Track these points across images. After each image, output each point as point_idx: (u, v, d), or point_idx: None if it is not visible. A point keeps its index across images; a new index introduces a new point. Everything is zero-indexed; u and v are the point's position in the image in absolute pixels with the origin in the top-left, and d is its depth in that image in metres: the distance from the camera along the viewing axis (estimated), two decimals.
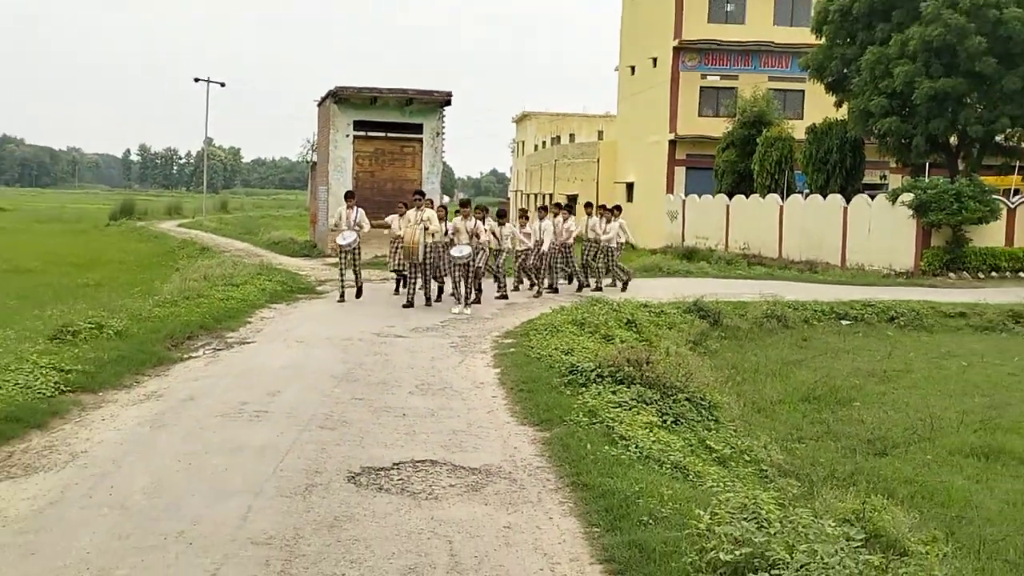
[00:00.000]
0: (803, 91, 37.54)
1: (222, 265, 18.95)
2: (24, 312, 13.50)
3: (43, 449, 6.67)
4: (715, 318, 15.99)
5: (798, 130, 33.30)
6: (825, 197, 29.19)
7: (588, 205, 19.42)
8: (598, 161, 46.72)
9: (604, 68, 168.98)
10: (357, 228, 15.50)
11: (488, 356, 11.02)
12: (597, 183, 45.88)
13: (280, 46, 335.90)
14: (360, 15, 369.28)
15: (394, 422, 7.69)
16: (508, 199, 71.66)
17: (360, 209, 15.79)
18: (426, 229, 14.84)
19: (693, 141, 38.70)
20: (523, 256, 17.40)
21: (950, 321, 17.59)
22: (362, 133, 24.61)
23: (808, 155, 31.45)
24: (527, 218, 18.19)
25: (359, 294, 15.75)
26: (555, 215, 18.10)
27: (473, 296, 15.17)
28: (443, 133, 25.17)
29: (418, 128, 24.85)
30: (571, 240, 18.19)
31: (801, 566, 4.18)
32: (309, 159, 67.46)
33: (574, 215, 19.32)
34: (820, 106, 33.89)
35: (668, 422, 8.27)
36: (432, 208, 15.77)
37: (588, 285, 18.47)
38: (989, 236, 25.07)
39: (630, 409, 8.19)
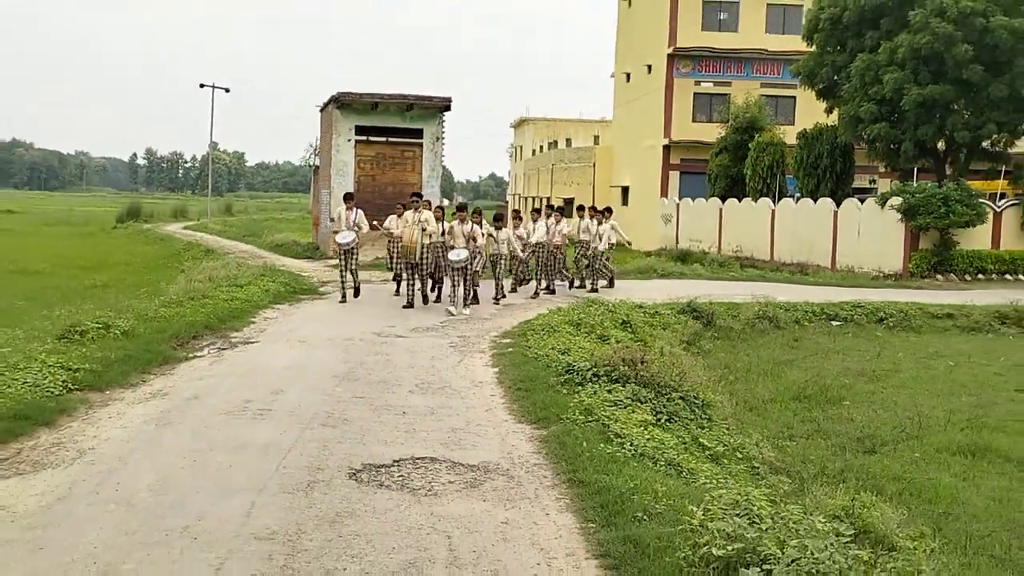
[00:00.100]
0: (794, 97, 37.62)
1: (226, 267, 18.93)
2: (33, 312, 13.50)
3: (51, 446, 6.66)
4: (708, 319, 16.00)
5: (789, 135, 33.39)
6: (816, 201, 29.24)
7: (580, 208, 19.53)
8: (594, 165, 46.78)
9: (604, 68, 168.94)
10: (356, 228, 15.51)
11: (486, 356, 11.01)
12: (593, 187, 45.93)
13: (280, 46, 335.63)
14: (360, 15, 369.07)
15: (394, 420, 7.69)
16: (506, 202, 71.66)
17: (359, 210, 15.80)
18: (424, 230, 14.86)
19: (687, 146, 38.76)
20: (517, 260, 17.53)
21: (937, 322, 17.61)
22: (364, 138, 24.63)
23: (799, 160, 31.51)
24: (521, 219, 18.31)
25: (356, 294, 15.75)
26: (548, 217, 18.31)
27: (471, 297, 15.20)
28: (443, 138, 25.19)
29: (418, 133, 24.87)
30: (563, 241, 18.30)
31: (792, 561, 4.18)
32: (312, 163, 67.43)
33: (569, 217, 19.43)
34: (811, 112, 33.99)
35: (662, 420, 8.27)
36: (430, 210, 15.79)
37: (584, 287, 18.55)
38: (976, 239, 25.13)
39: (625, 407, 8.19)
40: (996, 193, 27.84)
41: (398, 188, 23.91)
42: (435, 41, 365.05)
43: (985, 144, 27.87)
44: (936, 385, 12.40)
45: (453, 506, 5.65)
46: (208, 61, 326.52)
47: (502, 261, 16.80)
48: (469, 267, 14.72)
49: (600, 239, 18.05)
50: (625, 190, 43.72)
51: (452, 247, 14.70)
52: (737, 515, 4.79)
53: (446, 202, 30.12)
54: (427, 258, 15.11)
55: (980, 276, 24.74)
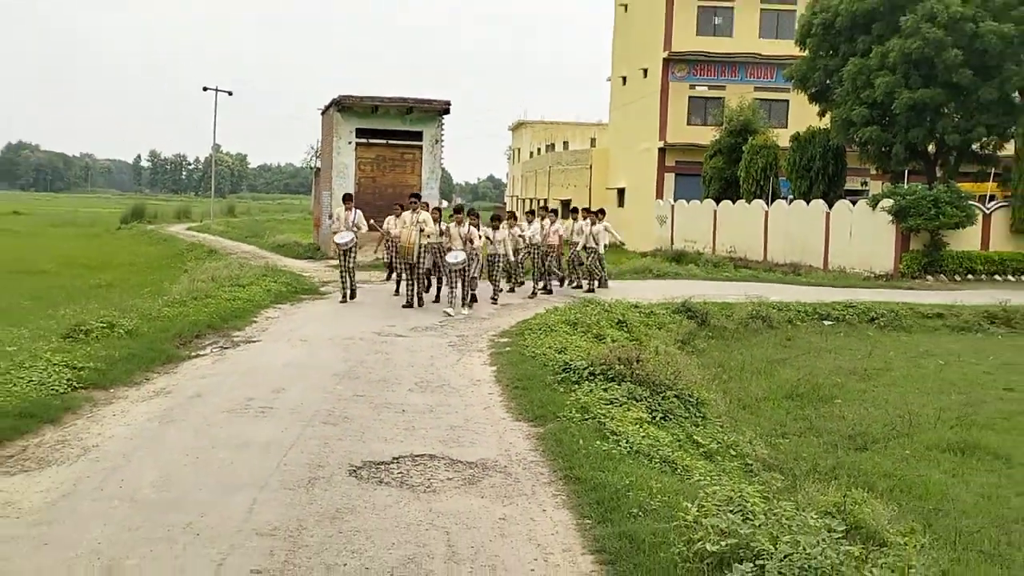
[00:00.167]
0: (787, 101, 37.66)
1: (229, 267, 18.91)
2: (38, 312, 13.48)
3: (56, 443, 6.66)
4: (703, 318, 16.01)
5: (782, 138, 33.41)
6: (808, 203, 29.27)
7: (574, 210, 19.67)
8: (591, 168, 46.75)
9: (602, 70, 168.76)
10: (355, 229, 15.50)
11: (485, 355, 11.01)
12: (590, 189, 45.92)
13: (280, 46, 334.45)
14: (360, 15, 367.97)
15: (394, 418, 7.69)
16: (505, 204, 71.69)
17: (358, 211, 15.79)
18: (422, 231, 14.86)
19: (682, 149, 38.77)
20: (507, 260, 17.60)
21: (928, 322, 17.62)
22: (364, 140, 24.62)
23: (792, 162, 31.54)
24: (515, 218, 18.45)
25: (352, 295, 15.63)
26: (542, 218, 18.42)
27: (469, 298, 15.20)
28: (442, 140, 25.19)
29: (418, 136, 24.86)
30: (558, 242, 18.34)
31: (784, 556, 4.18)
32: (313, 165, 67.37)
33: (564, 219, 19.50)
34: (804, 115, 34.03)
35: (657, 418, 8.27)
36: (427, 211, 15.80)
37: (580, 286, 18.60)
38: (965, 240, 25.16)
39: (621, 406, 8.19)
40: (985, 195, 27.89)
41: (398, 190, 23.89)
42: (435, 41, 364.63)
43: (975, 147, 27.91)
44: (926, 384, 12.41)
45: (451, 502, 5.65)
46: (208, 61, 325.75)
47: (500, 261, 16.82)
48: (467, 268, 14.74)
49: (594, 240, 18.08)
50: (621, 192, 43.73)
51: (450, 249, 14.71)
52: (731, 511, 4.79)
53: (445, 203, 30.11)
54: (424, 259, 15.12)
55: (969, 277, 24.76)
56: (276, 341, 11.53)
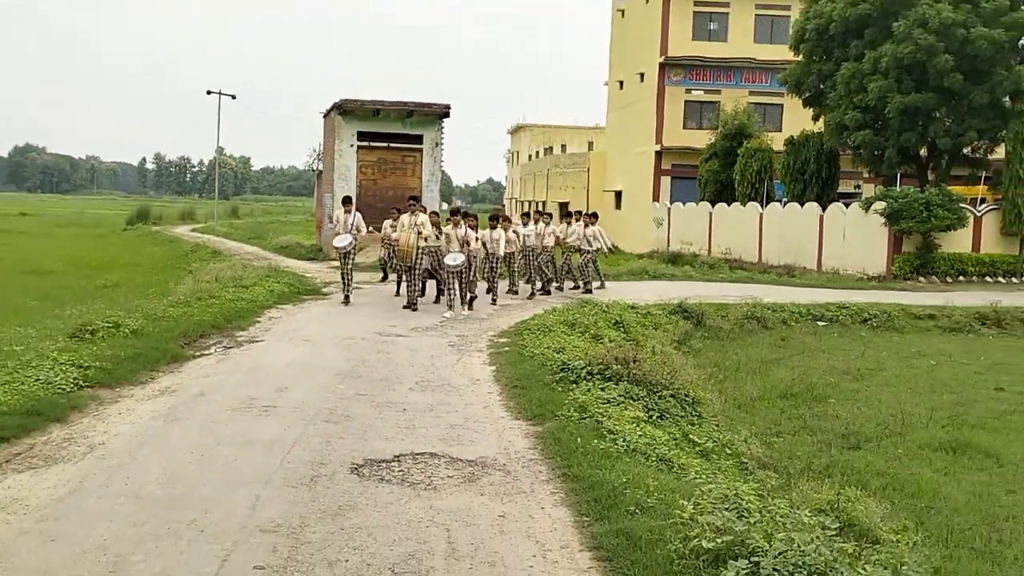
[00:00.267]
0: (782, 105, 37.68)
1: (232, 268, 18.90)
2: (45, 312, 13.48)
3: (63, 441, 6.65)
4: (698, 319, 16.01)
5: (777, 142, 33.45)
6: (802, 205, 29.30)
7: (568, 214, 19.72)
8: (588, 170, 46.75)
9: (599, 72, 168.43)
10: (355, 232, 15.48)
11: (484, 354, 11.01)
12: (587, 191, 45.91)
13: (280, 47, 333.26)
14: (360, 15, 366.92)
15: (395, 416, 7.68)
16: (503, 206, 71.68)
17: (358, 213, 15.77)
18: (419, 233, 14.85)
19: (678, 152, 38.79)
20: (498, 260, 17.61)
21: (920, 322, 17.64)
22: (365, 143, 24.62)
23: (786, 166, 31.56)
24: (510, 221, 18.45)
25: (346, 301, 15.29)
26: (537, 221, 18.47)
27: (469, 299, 15.21)
28: (442, 143, 25.20)
29: (418, 139, 24.87)
30: (552, 244, 18.37)
31: (779, 553, 4.18)
32: (315, 168, 67.42)
33: (561, 222, 19.57)
34: (798, 119, 34.06)
35: (654, 417, 8.27)
36: (426, 213, 15.79)
37: (577, 287, 18.62)
38: (957, 242, 25.20)
39: (618, 405, 8.19)
40: (976, 198, 27.95)
41: (399, 192, 23.87)
42: (435, 41, 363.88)
43: (966, 150, 27.96)
44: (918, 383, 12.42)
45: (451, 500, 5.65)
46: (209, 62, 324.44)
47: (497, 262, 16.82)
48: (465, 270, 14.76)
49: (588, 242, 18.16)
50: (618, 194, 43.73)
51: (448, 251, 14.73)
52: (726, 509, 4.79)
53: (445, 206, 30.11)
54: (422, 261, 15.09)
55: (961, 278, 24.79)
56: (279, 341, 11.53)
